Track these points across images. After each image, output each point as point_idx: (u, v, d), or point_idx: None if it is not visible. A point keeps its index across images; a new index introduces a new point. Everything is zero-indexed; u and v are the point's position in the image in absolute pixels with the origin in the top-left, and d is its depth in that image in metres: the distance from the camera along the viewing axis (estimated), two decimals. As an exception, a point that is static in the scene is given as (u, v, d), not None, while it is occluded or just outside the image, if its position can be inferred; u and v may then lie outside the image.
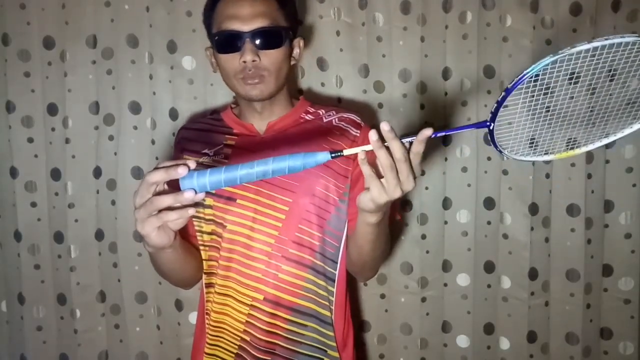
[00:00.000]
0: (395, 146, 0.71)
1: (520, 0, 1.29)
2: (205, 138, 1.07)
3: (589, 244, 1.35)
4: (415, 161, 0.74)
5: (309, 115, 1.08)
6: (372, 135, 0.70)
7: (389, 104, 1.34)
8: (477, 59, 1.31)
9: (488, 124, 0.73)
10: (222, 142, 1.05)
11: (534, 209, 1.35)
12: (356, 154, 0.72)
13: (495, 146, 0.76)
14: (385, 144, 0.71)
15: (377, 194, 0.75)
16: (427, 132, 0.71)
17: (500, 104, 0.70)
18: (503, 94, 0.69)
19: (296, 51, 1.05)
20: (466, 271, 1.38)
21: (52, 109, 1.35)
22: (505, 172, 1.35)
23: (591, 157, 1.32)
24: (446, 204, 1.37)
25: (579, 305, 1.36)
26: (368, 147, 0.71)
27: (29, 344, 1.42)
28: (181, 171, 0.70)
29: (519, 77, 0.67)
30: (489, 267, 1.38)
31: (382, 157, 0.71)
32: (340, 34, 1.32)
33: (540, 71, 0.67)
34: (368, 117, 1.27)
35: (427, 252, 1.38)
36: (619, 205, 1.34)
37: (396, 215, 1.11)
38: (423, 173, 1.36)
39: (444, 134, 0.75)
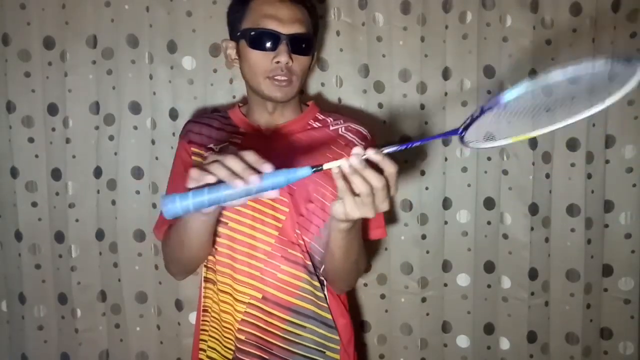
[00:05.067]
0: (369, 175, 0.70)
1: (520, 0, 1.29)
2: (212, 133, 1.07)
3: (589, 244, 1.35)
4: (391, 181, 0.72)
5: (316, 123, 1.08)
6: (343, 162, 0.69)
7: (389, 104, 1.34)
8: (477, 59, 1.31)
9: (461, 132, 0.70)
10: (227, 140, 1.05)
11: (534, 209, 1.35)
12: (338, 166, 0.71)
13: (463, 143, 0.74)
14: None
15: (349, 209, 0.74)
16: (357, 150, 0.69)
17: (473, 120, 0.68)
18: (478, 112, 0.67)
19: (312, 61, 1.07)
20: (466, 271, 1.38)
21: (52, 109, 1.35)
22: (505, 172, 1.35)
23: (591, 157, 1.32)
24: (446, 204, 1.37)
25: (579, 305, 1.36)
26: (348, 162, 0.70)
27: (30, 344, 1.42)
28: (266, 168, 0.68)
29: (497, 100, 0.65)
30: (489, 267, 1.38)
31: (357, 184, 0.70)
32: (340, 34, 1.32)
33: (520, 94, 0.65)
34: (375, 129, 1.20)
35: (427, 252, 1.38)
36: (619, 205, 1.34)
37: (381, 232, 1.10)
38: (423, 173, 1.36)
39: (407, 146, 0.71)
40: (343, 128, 1.07)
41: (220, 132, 1.07)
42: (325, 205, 1.01)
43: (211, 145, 1.05)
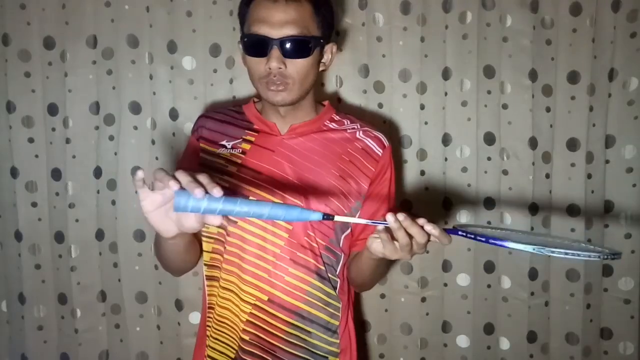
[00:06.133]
0: (415, 231, 0.76)
1: (520, 0, 1.29)
2: (225, 130, 1.06)
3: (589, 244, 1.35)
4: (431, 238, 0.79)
5: (333, 124, 1.07)
6: (390, 217, 0.74)
7: (389, 104, 1.34)
8: (477, 59, 1.31)
9: (458, 233, 0.77)
10: (241, 137, 1.04)
11: (534, 209, 1.35)
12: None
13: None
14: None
15: (389, 254, 0.81)
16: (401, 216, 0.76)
17: (474, 238, 0.74)
18: (484, 239, 0.72)
19: (327, 57, 1.03)
20: (466, 271, 1.38)
21: (52, 109, 1.35)
22: (505, 172, 1.35)
23: (591, 157, 1.32)
24: (446, 204, 1.37)
25: (579, 305, 1.36)
26: (382, 223, 0.76)
27: (30, 344, 1.42)
28: (216, 192, 0.67)
29: (503, 244, 0.71)
30: (489, 267, 1.38)
31: (400, 238, 0.77)
32: (340, 34, 1.31)
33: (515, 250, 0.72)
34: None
35: (427, 252, 1.37)
36: (619, 205, 1.34)
37: None
38: (423, 173, 1.36)
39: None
40: (361, 132, 1.06)
41: (233, 129, 1.06)
42: (342, 212, 1.00)
43: (223, 142, 1.04)
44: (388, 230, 0.78)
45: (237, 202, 0.68)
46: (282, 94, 0.96)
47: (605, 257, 0.70)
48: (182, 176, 0.67)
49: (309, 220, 0.71)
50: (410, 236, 0.77)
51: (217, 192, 0.66)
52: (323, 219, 0.71)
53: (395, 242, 0.78)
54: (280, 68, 0.93)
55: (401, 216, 0.75)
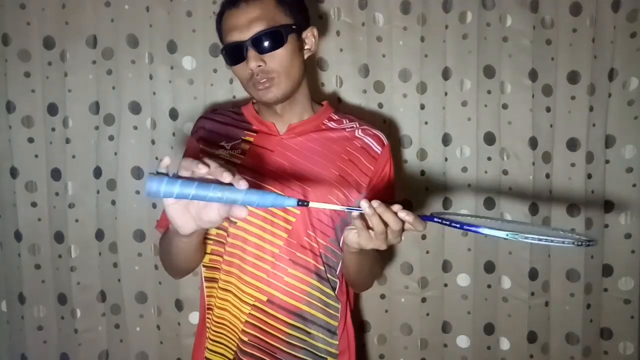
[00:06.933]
0: (389, 218, 0.76)
1: (520, 0, 1.29)
2: (224, 131, 1.06)
3: (589, 244, 1.35)
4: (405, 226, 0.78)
5: (331, 123, 1.07)
6: (364, 203, 0.74)
7: (389, 104, 1.34)
8: (477, 59, 1.31)
9: (433, 219, 0.77)
10: (240, 137, 1.04)
11: (534, 209, 1.35)
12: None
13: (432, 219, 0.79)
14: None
15: (364, 242, 0.81)
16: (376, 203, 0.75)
17: (450, 225, 0.74)
18: (459, 225, 0.72)
19: (310, 41, 1.02)
20: (466, 271, 1.38)
21: (52, 109, 1.35)
22: (505, 172, 1.35)
23: (591, 157, 1.32)
24: (446, 204, 1.37)
25: (579, 305, 1.36)
26: (357, 210, 0.75)
27: (30, 344, 1.42)
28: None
29: (477, 230, 0.71)
30: (489, 267, 1.38)
31: (375, 224, 0.76)
32: (340, 34, 1.32)
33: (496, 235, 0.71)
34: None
35: (427, 252, 1.38)
36: (619, 205, 1.34)
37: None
38: (423, 173, 1.36)
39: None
40: (360, 130, 1.06)
41: (232, 129, 1.06)
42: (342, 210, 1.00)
43: (223, 143, 1.04)
44: (363, 218, 0.77)
45: (210, 187, 0.66)
46: (272, 89, 0.96)
47: (580, 243, 0.67)
48: (211, 162, 0.67)
49: (283, 207, 0.70)
50: (385, 223, 0.76)
51: (243, 184, 0.66)
52: (298, 204, 0.70)
53: (370, 231, 0.78)
54: (260, 66, 0.93)
55: (375, 203, 0.75)
